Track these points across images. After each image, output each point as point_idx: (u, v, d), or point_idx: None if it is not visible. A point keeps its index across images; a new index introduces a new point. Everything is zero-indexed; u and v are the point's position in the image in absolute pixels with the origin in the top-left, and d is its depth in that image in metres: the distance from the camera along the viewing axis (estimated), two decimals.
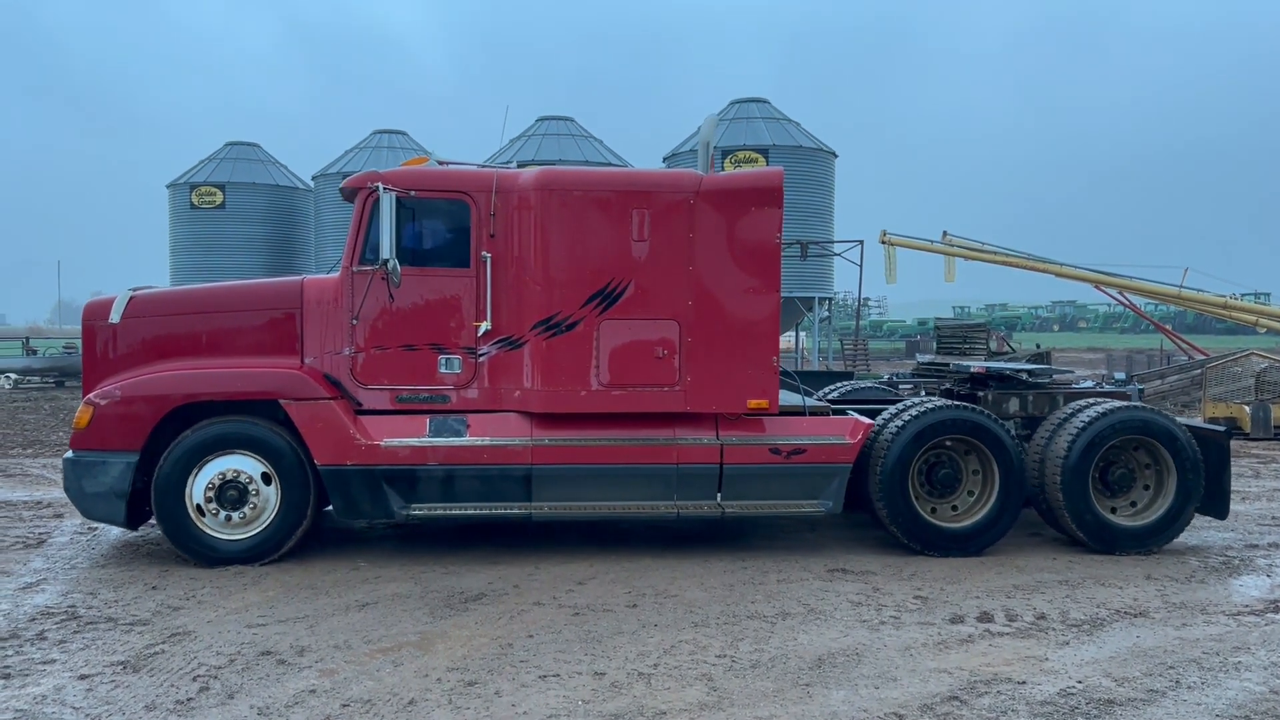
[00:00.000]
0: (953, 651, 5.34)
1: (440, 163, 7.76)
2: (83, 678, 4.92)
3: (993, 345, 19.92)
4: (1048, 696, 4.72)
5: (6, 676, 4.93)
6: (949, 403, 7.65)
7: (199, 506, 7.00)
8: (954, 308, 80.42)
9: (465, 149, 38.05)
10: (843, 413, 7.84)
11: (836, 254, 33.74)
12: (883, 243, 32.00)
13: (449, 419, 7.27)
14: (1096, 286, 28.94)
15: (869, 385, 10.03)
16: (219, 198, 33.38)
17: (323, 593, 6.46)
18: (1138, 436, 7.60)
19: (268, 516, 7.10)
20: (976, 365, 8.81)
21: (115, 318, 7.42)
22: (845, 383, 10.03)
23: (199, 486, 6.98)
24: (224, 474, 7.02)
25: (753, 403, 7.36)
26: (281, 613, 6.00)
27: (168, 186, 33.87)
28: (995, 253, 30.31)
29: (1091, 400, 7.90)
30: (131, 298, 7.43)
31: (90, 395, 7.08)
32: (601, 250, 7.23)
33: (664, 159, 34.88)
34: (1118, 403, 7.77)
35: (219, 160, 34.00)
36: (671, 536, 8.04)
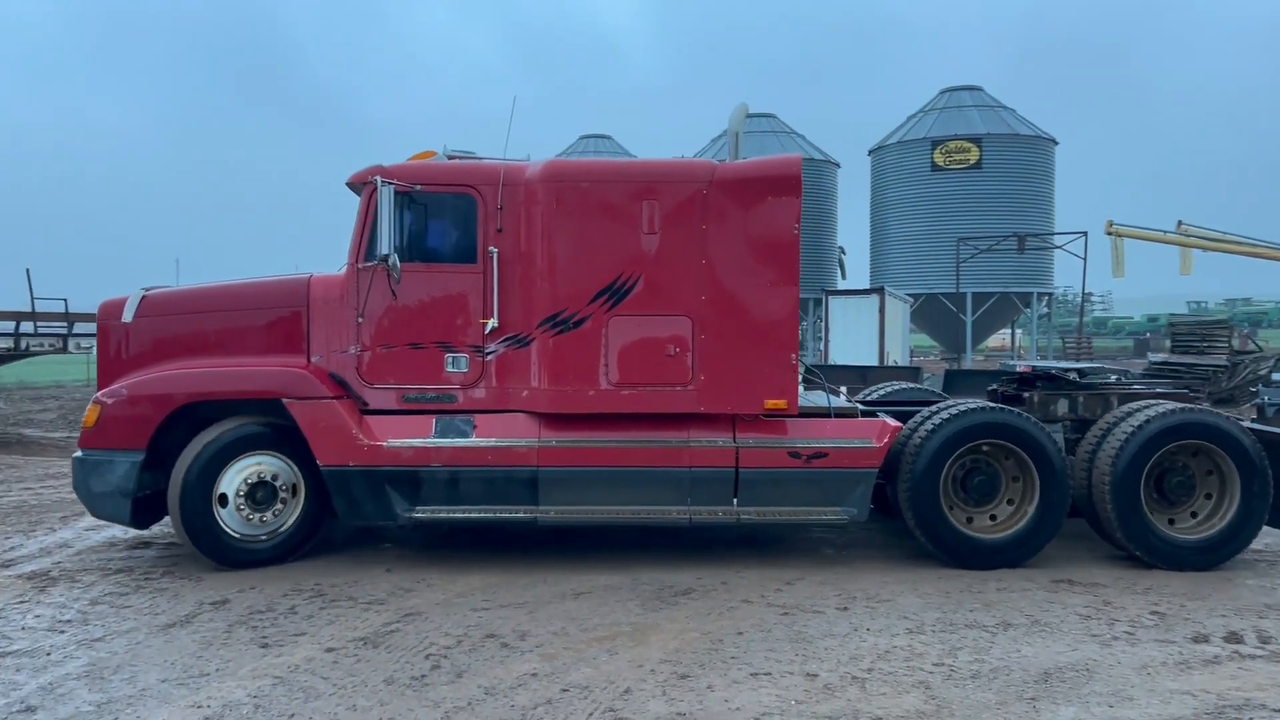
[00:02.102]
0: (1196, 673, 5.03)
1: (450, 156, 7.62)
2: (329, 650, 5.37)
3: (1235, 343, 18.38)
4: None
5: (265, 645, 5.45)
6: (985, 404, 7.24)
7: (225, 507, 7.10)
8: (1189, 303, 74.75)
9: (670, 149, 38.48)
10: (872, 414, 7.44)
11: (1057, 246, 32.04)
12: (1109, 234, 30.16)
13: (455, 419, 7.12)
14: None
15: (911, 387, 9.56)
16: None
17: (540, 580, 6.74)
18: (1196, 441, 7.02)
19: (292, 517, 7.21)
20: (1022, 365, 8.33)
21: (128, 317, 7.48)
22: (890, 384, 9.60)
23: (228, 487, 7.09)
24: (253, 474, 7.10)
25: (770, 403, 7.05)
26: (503, 598, 6.35)
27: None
28: (1239, 243, 27.94)
29: (1146, 402, 7.38)
30: (144, 297, 7.51)
31: (98, 394, 7.18)
32: (610, 244, 7.02)
33: (869, 151, 34.14)
34: (1174, 404, 7.23)
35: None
36: (880, 542, 7.96)
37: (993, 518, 7.12)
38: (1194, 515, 7.11)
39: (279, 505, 7.11)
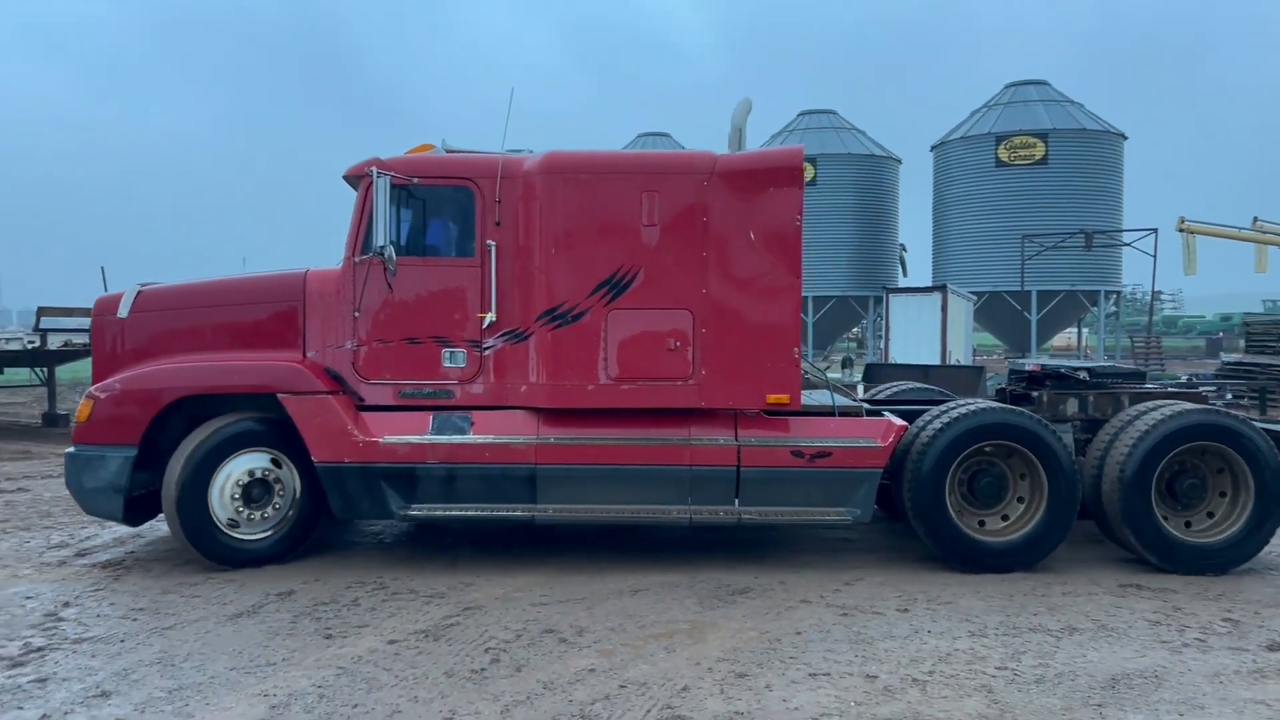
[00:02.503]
0: (1271, 682, 5.15)
1: (449, 150, 7.76)
2: (391, 642, 5.75)
3: None
4: None
5: (329, 636, 5.87)
6: (992, 405, 7.45)
7: (220, 505, 7.22)
8: (1264, 302, 72.68)
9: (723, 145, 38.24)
10: (878, 414, 7.63)
11: (1125, 244, 31.36)
12: (1180, 230, 29.38)
13: (452, 415, 7.30)
14: None
15: (918, 386, 9.71)
16: None
17: (597, 576, 7.17)
18: (1208, 443, 7.19)
19: (288, 514, 7.38)
20: (1031, 363, 8.53)
21: (123, 312, 7.60)
22: (897, 383, 9.78)
23: (223, 484, 7.22)
24: (249, 471, 7.27)
25: (772, 398, 7.19)
26: (561, 593, 6.76)
27: None
28: None
29: (1158, 402, 7.55)
30: (139, 292, 7.67)
31: (91, 389, 7.39)
32: (610, 236, 7.20)
33: (932, 148, 33.69)
34: (1187, 405, 7.38)
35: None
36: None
37: (1003, 519, 7.39)
38: (1209, 517, 7.39)
39: (275, 503, 7.32)
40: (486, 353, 7.35)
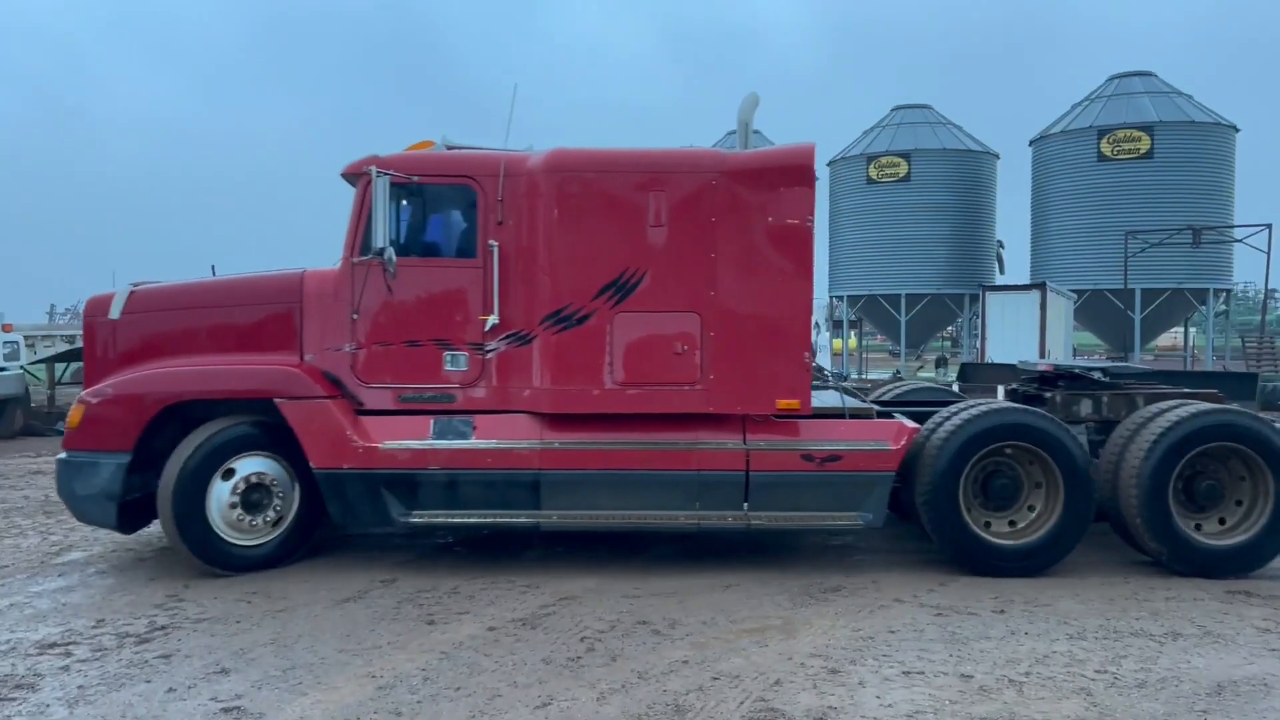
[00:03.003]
0: None
1: (449, 147, 7.97)
2: (490, 629, 6.35)
3: None
4: None
5: (431, 622, 6.53)
6: (1006, 405, 7.76)
7: (218, 511, 7.29)
8: None
9: (821, 141, 37.52)
10: (889, 415, 7.95)
11: (1236, 240, 30.06)
12: None
13: (454, 420, 7.54)
14: None
15: (927, 386, 9.93)
16: None
17: (689, 571, 7.75)
18: (1228, 444, 7.41)
19: (287, 520, 7.59)
20: (1044, 364, 8.78)
21: (115, 313, 7.78)
22: (906, 383, 10.01)
23: (220, 490, 7.34)
24: (246, 477, 7.45)
25: (782, 403, 7.39)
26: (654, 587, 7.31)
27: None
28: None
29: (1175, 402, 7.79)
30: (132, 293, 7.90)
31: (83, 394, 7.64)
32: (616, 237, 7.44)
33: (1030, 142, 32.82)
34: (1204, 405, 7.60)
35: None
36: None
37: (1013, 523, 7.69)
38: (1222, 521, 7.65)
39: (274, 508, 7.61)
40: (489, 356, 7.61)
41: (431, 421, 7.44)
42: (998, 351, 25.24)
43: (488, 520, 7.39)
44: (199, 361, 7.58)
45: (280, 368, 7.49)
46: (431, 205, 7.61)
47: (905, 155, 34.90)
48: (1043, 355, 23.78)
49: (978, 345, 27.58)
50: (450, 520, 7.40)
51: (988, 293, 27.27)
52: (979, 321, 27.59)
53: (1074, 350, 31.47)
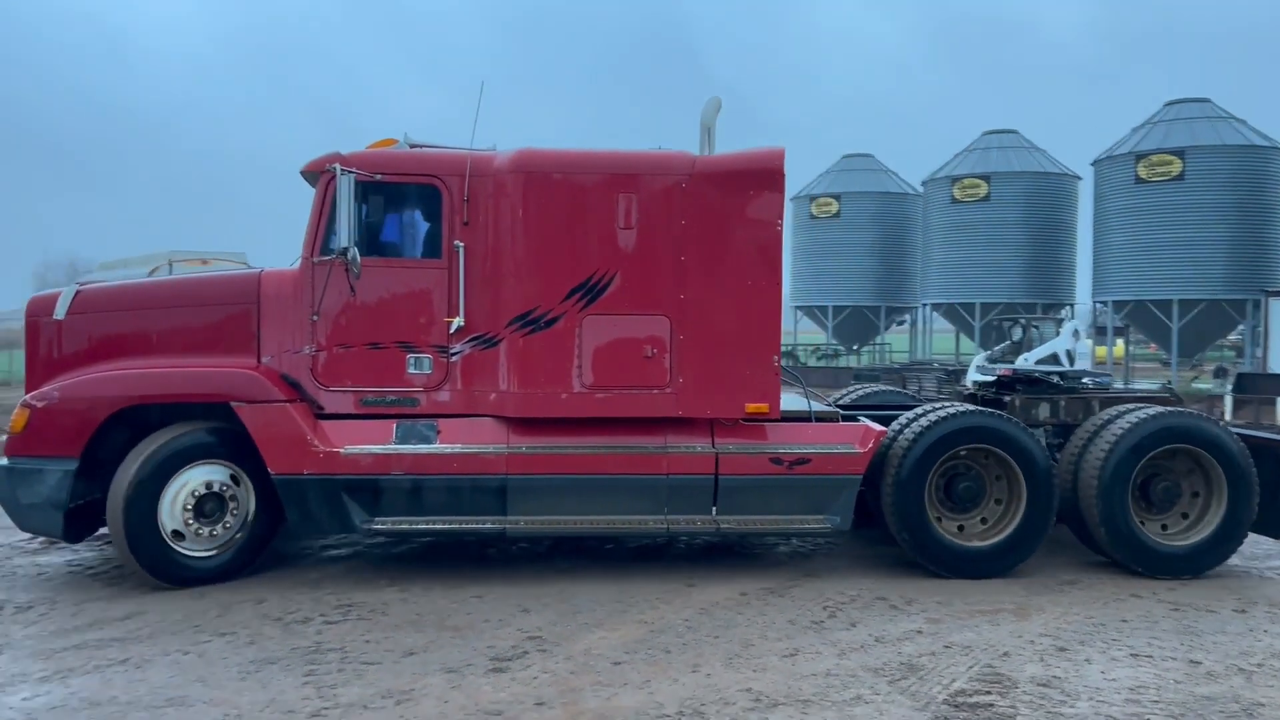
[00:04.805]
0: None
1: (412, 145, 7.84)
2: (742, 594, 7.20)
3: None
4: None
5: (691, 585, 7.38)
6: (970, 408, 7.90)
7: (170, 521, 7.08)
8: None
9: (1087, 141, 36.32)
10: (854, 419, 8.09)
11: None
12: None
13: (417, 424, 7.43)
14: None
15: (888, 390, 10.14)
16: (834, 207, 39.60)
17: None
18: (1183, 445, 7.71)
19: (242, 530, 7.38)
20: (1002, 368, 9.16)
21: (60, 313, 7.50)
22: (861, 386, 10.14)
23: (172, 500, 7.12)
24: (200, 485, 7.20)
25: (751, 407, 7.46)
26: (892, 568, 7.79)
27: (791, 199, 41.50)
28: None
29: (1131, 405, 8.05)
30: (78, 292, 7.64)
31: (26, 397, 7.35)
32: (585, 239, 7.41)
33: None
34: (1160, 408, 7.90)
35: (836, 173, 41.18)
36: None
37: (982, 520, 7.86)
38: (1184, 518, 7.92)
39: (229, 519, 7.38)
40: (454, 359, 7.50)
41: (394, 425, 7.29)
42: None
43: (453, 526, 7.29)
44: (150, 364, 7.33)
45: (237, 370, 7.28)
46: (396, 204, 7.49)
47: (1179, 153, 30.48)
48: None
49: (1259, 354, 26.01)
50: (415, 527, 7.27)
51: (1271, 298, 25.49)
52: (1261, 330, 25.65)
53: None
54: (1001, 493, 7.74)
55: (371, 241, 7.40)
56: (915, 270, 38.35)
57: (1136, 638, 6.14)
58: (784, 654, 5.88)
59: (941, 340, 40.38)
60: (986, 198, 33.45)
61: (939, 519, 7.65)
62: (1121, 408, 7.99)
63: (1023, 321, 21.40)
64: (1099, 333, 34.23)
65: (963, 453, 7.70)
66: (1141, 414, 7.69)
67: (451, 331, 7.36)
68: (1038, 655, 5.81)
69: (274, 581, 7.38)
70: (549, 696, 5.23)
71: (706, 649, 5.98)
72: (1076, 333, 18.95)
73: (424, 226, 7.53)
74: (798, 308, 41.16)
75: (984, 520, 7.79)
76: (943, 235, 34.10)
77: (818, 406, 8.08)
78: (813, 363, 36.48)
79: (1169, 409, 7.83)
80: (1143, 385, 25.68)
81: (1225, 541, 7.65)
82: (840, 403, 9.23)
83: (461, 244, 7.34)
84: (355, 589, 7.19)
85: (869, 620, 6.52)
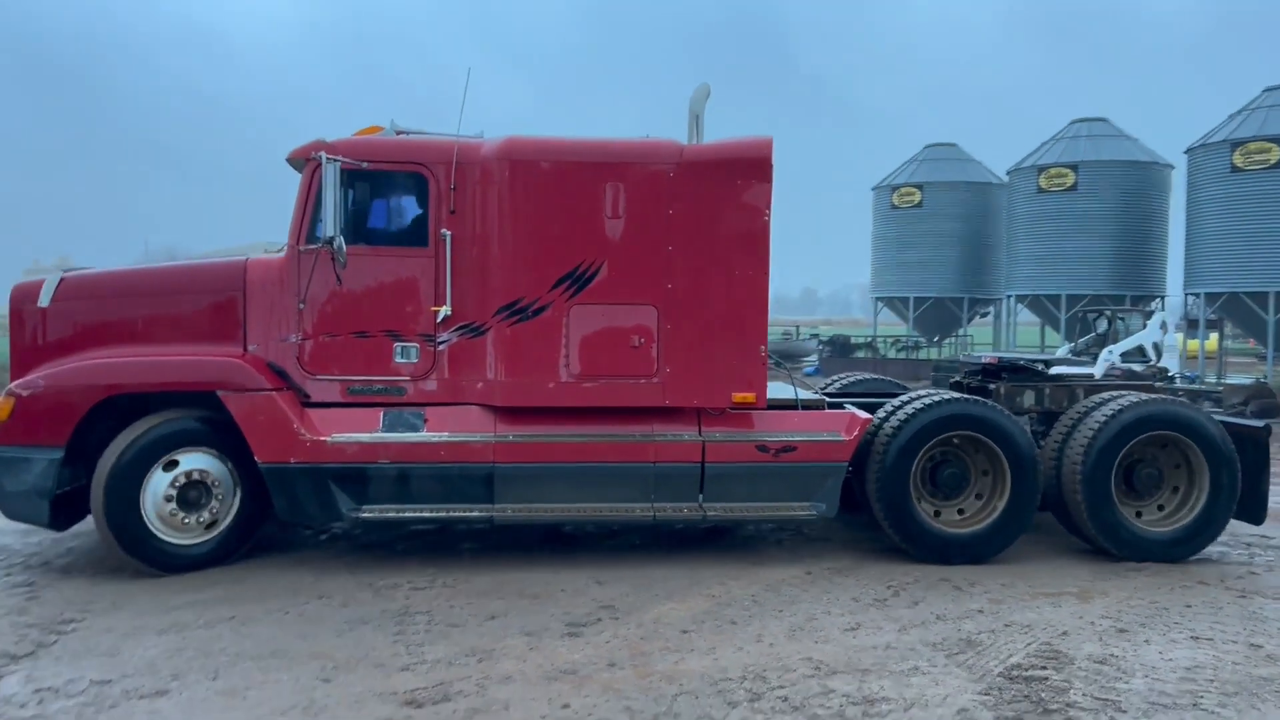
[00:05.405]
0: None
1: (399, 132, 7.79)
2: (808, 573, 7.44)
3: None
4: None
5: (757, 564, 7.65)
6: (955, 396, 7.91)
7: (154, 509, 7.06)
8: None
9: (1183, 126, 34.26)
10: (839, 407, 8.10)
11: None
12: None
13: (404, 412, 7.40)
14: None
15: (872, 378, 10.16)
16: (917, 197, 38.00)
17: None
18: (1165, 433, 7.75)
19: (227, 518, 7.36)
20: (987, 356, 9.04)
21: (44, 301, 7.46)
22: (847, 375, 10.17)
23: (156, 487, 7.10)
24: (185, 473, 7.19)
25: (738, 397, 7.47)
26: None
27: (873, 189, 39.97)
28: None
29: (1114, 393, 8.09)
30: (62, 280, 7.59)
31: (12, 385, 7.31)
32: (572, 228, 7.37)
33: None
34: (1142, 395, 7.95)
35: (919, 162, 39.36)
36: None
37: (960, 511, 7.90)
38: (1161, 508, 7.99)
39: (214, 506, 7.34)
40: (441, 348, 7.47)
41: (381, 414, 7.28)
42: None
43: (440, 515, 7.30)
44: (136, 352, 7.30)
45: (223, 359, 7.24)
46: (382, 192, 7.45)
47: (1277, 140, 27.82)
48: None
49: None
50: (402, 515, 7.25)
51: None
52: None
53: None
54: (986, 481, 7.73)
55: (358, 230, 7.35)
56: (999, 261, 36.43)
57: (1199, 622, 6.25)
58: (845, 628, 6.15)
59: (1026, 333, 38.98)
60: (1074, 187, 32.11)
61: (926, 506, 7.66)
62: (1104, 395, 8.04)
63: (1108, 314, 21.21)
64: (1190, 326, 32.25)
65: (955, 440, 7.70)
66: (1126, 401, 7.74)
67: (438, 320, 7.34)
68: (1097, 635, 5.98)
69: (363, 553, 7.79)
70: (620, 659, 5.62)
71: (771, 621, 6.30)
72: (1164, 325, 18.43)
73: (411, 215, 7.48)
74: (878, 299, 39.58)
75: (968, 507, 7.80)
76: (1028, 225, 32.91)
77: (804, 394, 8.09)
78: (892, 355, 35.67)
79: (1152, 396, 7.87)
80: (1235, 380, 24.58)
81: (1208, 526, 7.69)
82: (827, 391, 9.24)
83: (448, 232, 7.30)
84: (440, 560, 7.56)
85: (931, 599, 6.74)
